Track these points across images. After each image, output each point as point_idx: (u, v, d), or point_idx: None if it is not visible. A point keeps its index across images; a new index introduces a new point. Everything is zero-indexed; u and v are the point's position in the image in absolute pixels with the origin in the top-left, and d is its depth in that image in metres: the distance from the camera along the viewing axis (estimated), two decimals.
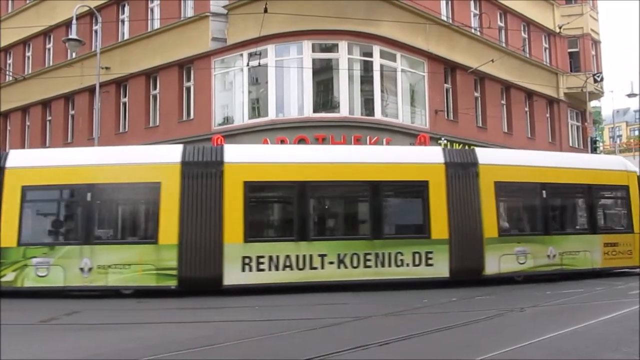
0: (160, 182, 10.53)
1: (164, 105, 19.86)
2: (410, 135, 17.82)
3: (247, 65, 17.30)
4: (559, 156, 14.01)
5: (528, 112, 23.86)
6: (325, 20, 16.68)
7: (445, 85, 20.17)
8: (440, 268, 11.16)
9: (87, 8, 17.66)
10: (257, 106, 17.89)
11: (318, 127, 16.60)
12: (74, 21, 15.63)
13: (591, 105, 29.31)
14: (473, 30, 21.28)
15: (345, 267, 10.81)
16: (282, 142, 16.24)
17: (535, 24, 24.49)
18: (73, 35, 15.53)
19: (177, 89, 19.50)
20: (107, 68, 19.72)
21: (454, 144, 18.67)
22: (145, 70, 20.17)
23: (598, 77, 25.56)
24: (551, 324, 7.12)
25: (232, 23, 18.19)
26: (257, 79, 17.84)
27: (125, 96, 21.26)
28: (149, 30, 20.38)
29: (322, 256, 10.75)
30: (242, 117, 17.76)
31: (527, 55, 23.63)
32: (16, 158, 10.78)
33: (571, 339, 6.33)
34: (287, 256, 10.63)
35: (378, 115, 17.41)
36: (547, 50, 25.38)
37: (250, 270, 10.46)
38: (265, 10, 14.09)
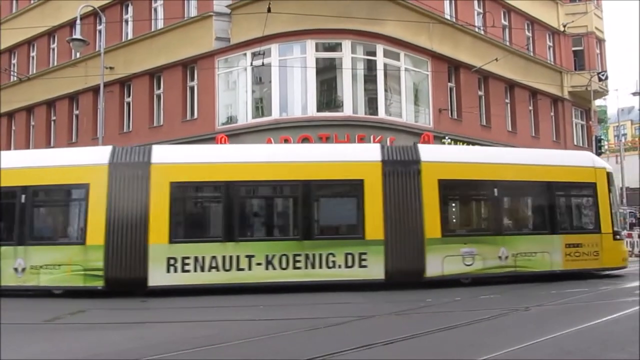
0: (88, 183, 10.64)
1: (167, 104, 19.91)
2: (414, 134, 17.79)
3: (251, 64, 17.32)
4: (515, 152, 13.24)
5: (532, 111, 23.80)
6: (329, 20, 16.68)
7: (449, 84, 20.13)
8: (375, 270, 10.79)
9: (91, 8, 17.73)
10: (260, 105, 17.90)
11: (322, 126, 16.62)
12: (78, 21, 15.70)
13: (597, 104, 29.22)
14: (477, 29, 21.25)
15: (274, 268, 10.63)
16: (286, 141, 16.26)
17: (540, 23, 24.41)
18: (77, 35, 15.59)
19: (181, 88, 19.54)
20: (111, 68, 19.79)
21: (458, 143, 18.63)
22: (149, 70, 20.21)
23: (603, 75, 25.48)
24: (556, 323, 7.08)
25: (235, 23, 18.21)
26: (260, 79, 17.85)
27: (129, 96, 21.31)
28: (152, 30, 20.41)
29: (250, 257, 10.62)
30: (245, 117, 17.78)
31: (531, 54, 23.55)
32: None
33: (576, 338, 6.29)
34: (214, 257, 10.54)
35: (382, 114, 17.40)
36: (552, 49, 25.30)
37: (176, 271, 10.42)
38: (269, 10, 14.09)
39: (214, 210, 11.51)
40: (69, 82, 21.59)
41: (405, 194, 11.10)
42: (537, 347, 5.77)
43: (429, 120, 18.93)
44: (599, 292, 10.26)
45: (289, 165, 11.23)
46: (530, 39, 23.81)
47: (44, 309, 9.28)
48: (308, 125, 16.61)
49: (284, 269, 10.67)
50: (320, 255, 10.75)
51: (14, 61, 26.09)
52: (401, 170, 11.20)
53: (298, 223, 11.22)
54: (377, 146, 12.26)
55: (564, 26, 20.39)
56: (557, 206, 12.33)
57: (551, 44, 25.30)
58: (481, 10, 21.89)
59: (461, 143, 18.74)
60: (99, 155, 10.96)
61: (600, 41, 26.92)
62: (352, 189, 11.35)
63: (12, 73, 25.13)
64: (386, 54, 17.70)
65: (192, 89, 19.55)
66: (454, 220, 12.33)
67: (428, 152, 11.68)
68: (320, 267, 10.72)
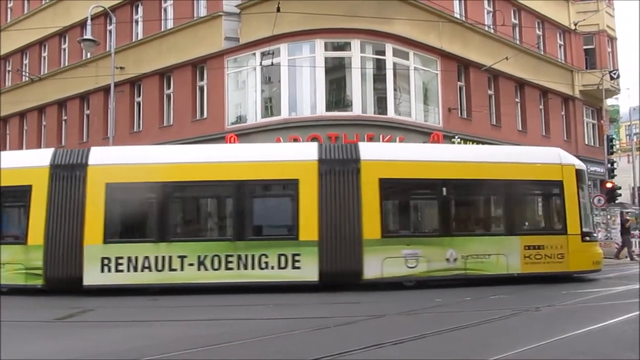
0: (31, 185, 10.86)
1: (177, 104, 19.99)
2: (423, 134, 17.74)
3: (260, 64, 17.36)
4: (471, 149, 12.80)
5: (543, 110, 23.63)
6: (338, 19, 16.66)
7: (459, 83, 20.04)
8: (308, 271, 10.61)
9: (101, 8, 17.82)
10: (269, 105, 17.93)
11: (331, 125, 16.61)
12: (89, 21, 15.79)
13: (608, 103, 28.96)
14: (486, 28, 21.13)
15: (206, 269, 10.62)
16: (295, 140, 16.25)
17: (550, 21, 24.23)
18: (88, 36, 15.71)
19: (191, 88, 19.61)
20: (121, 68, 19.89)
21: (468, 142, 18.55)
22: (159, 70, 20.30)
23: (614, 74, 25.26)
24: (567, 323, 7.04)
25: (244, 22, 18.25)
26: (269, 78, 17.88)
27: (139, 96, 21.42)
28: (162, 30, 20.51)
29: (182, 257, 10.64)
30: (255, 116, 17.82)
31: (542, 53, 23.39)
32: None
33: (587, 339, 6.25)
34: (146, 257, 10.61)
35: (391, 113, 17.36)
36: (562, 48, 25.11)
37: (109, 271, 10.55)
38: (278, 10, 14.14)
39: (148, 211, 11.42)
40: (79, 82, 21.74)
41: (343, 194, 10.89)
42: (548, 348, 5.74)
43: (438, 120, 18.86)
44: (610, 293, 10.17)
45: (224, 166, 11.20)
46: (541, 37, 23.64)
47: (53, 306, 9.37)
48: (317, 125, 16.62)
49: (216, 269, 10.65)
50: (253, 256, 10.67)
51: (25, 61, 26.34)
52: (339, 170, 11.00)
53: (231, 223, 11.24)
54: (314, 145, 12.07)
55: (575, 24, 20.28)
56: (515, 206, 11.82)
57: (562, 43, 25.11)
58: (491, 9, 21.76)
59: (471, 142, 18.65)
60: (40, 157, 11.25)
61: (612, 39, 26.68)
62: (287, 189, 11.28)
63: (24, 73, 25.38)
64: (395, 53, 17.66)
65: (201, 88, 19.63)
66: (397, 221, 12.11)
67: (369, 151, 11.44)
68: (253, 268, 10.65)
